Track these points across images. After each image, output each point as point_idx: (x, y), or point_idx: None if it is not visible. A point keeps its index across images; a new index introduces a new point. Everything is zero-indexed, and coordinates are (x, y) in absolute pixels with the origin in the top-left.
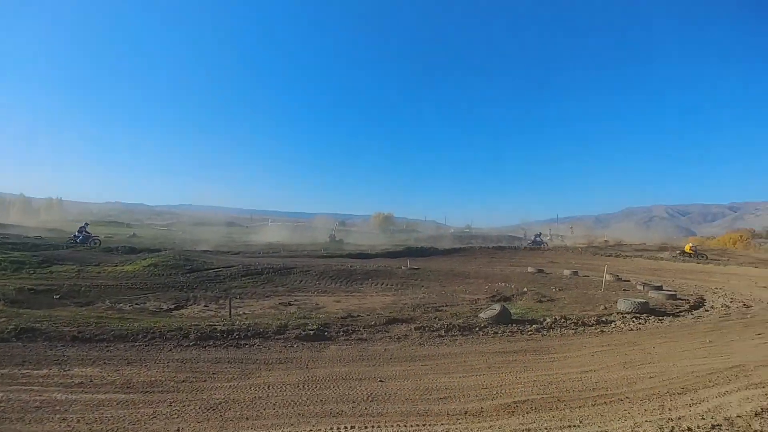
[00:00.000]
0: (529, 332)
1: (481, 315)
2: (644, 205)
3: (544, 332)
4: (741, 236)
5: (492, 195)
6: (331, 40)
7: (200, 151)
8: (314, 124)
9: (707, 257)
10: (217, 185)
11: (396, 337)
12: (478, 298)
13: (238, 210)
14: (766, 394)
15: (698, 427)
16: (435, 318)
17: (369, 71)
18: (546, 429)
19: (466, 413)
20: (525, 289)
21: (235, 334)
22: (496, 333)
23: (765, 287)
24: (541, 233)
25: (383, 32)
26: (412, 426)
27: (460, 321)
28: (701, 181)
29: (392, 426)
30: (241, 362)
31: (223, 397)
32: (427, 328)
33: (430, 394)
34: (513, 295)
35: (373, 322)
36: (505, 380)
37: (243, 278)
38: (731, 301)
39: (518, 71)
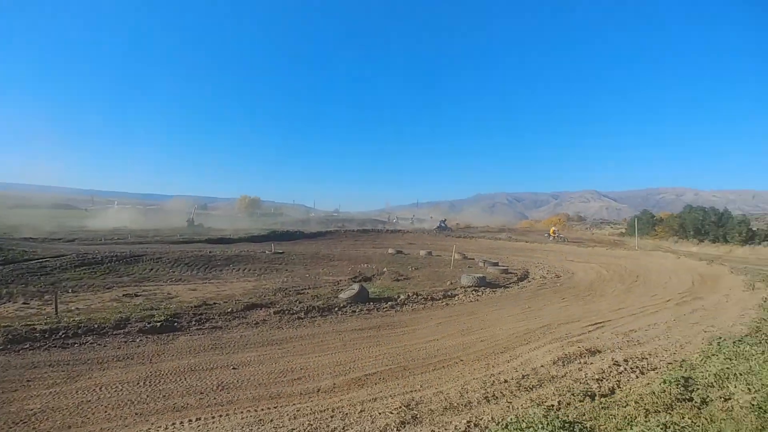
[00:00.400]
0: (385, 309)
1: (341, 295)
2: (490, 192)
3: (398, 308)
4: (559, 219)
5: (360, 181)
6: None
7: (23, 119)
8: (170, 95)
9: (566, 239)
10: (47, 161)
11: (254, 322)
12: (340, 280)
13: (75, 190)
14: (562, 346)
15: (512, 378)
16: (296, 301)
17: (233, 47)
18: (391, 396)
19: (318, 391)
20: (385, 269)
21: (60, 334)
22: (354, 312)
23: (572, 261)
24: (445, 219)
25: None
26: (262, 410)
27: (320, 303)
28: (532, 173)
29: (241, 413)
30: (68, 364)
31: (39, 406)
32: (286, 312)
33: (285, 376)
34: (374, 276)
35: (230, 309)
36: (359, 356)
37: (78, 269)
38: (547, 273)
39: (385, 66)
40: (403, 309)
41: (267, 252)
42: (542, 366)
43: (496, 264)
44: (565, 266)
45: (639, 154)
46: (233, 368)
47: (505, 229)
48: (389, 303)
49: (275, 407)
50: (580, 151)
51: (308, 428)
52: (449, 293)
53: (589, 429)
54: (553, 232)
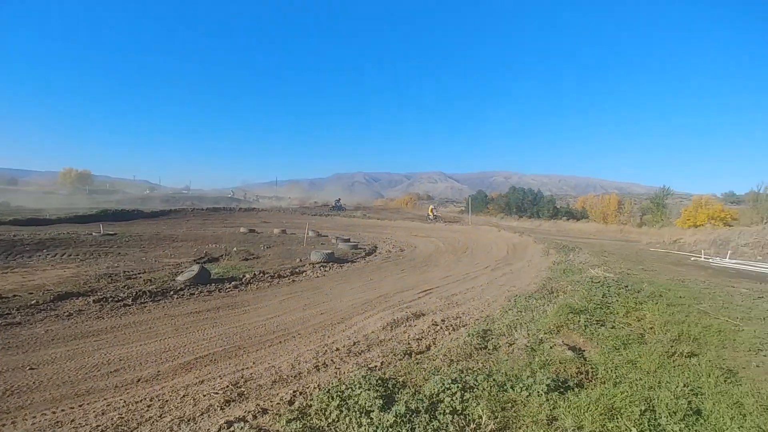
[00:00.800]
0: (228, 289)
1: (179, 278)
2: (349, 172)
3: (242, 288)
4: (411, 198)
5: (214, 156)
6: None
7: None
8: None
9: (444, 220)
10: None
11: (66, 314)
12: (182, 262)
13: None
14: (393, 313)
15: (344, 346)
16: (123, 287)
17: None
18: (220, 377)
19: (138, 381)
20: (234, 249)
21: None
22: (193, 295)
23: (416, 236)
24: (339, 198)
25: None
26: (63, 411)
27: (153, 287)
28: (388, 154)
29: (33, 417)
30: None
31: None
32: (110, 299)
33: (98, 371)
34: (221, 256)
35: (34, 301)
36: (191, 339)
37: None
38: (392, 247)
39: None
40: (248, 288)
41: (94, 234)
42: (373, 332)
43: (347, 240)
44: (410, 241)
45: (478, 141)
46: (30, 368)
47: (361, 207)
48: (233, 283)
49: (80, 405)
50: (430, 135)
51: (118, 422)
52: (297, 270)
53: (401, 383)
54: (432, 211)
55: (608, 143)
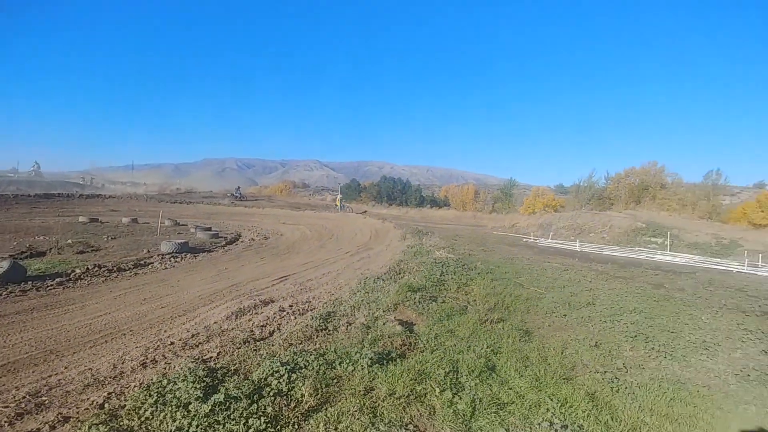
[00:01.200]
0: (49, 287)
1: None
2: (219, 157)
3: (69, 285)
4: (286, 186)
5: (64, 134)
6: None
7: None
8: None
9: (352, 209)
10: None
11: None
12: None
13: None
14: (241, 302)
15: (180, 340)
16: None
17: None
18: (16, 388)
19: None
20: (69, 241)
21: None
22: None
23: (284, 223)
24: (240, 187)
25: None
26: None
27: None
28: (262, 140)
29: None
30: None
31: None
32: None
33: None
34: (51, 249)
35: None
36: None
37: None
38: (257, 235)
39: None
40: (77, 285)
41: None
42: (215, 323)
43: (208, 229)
44: (277, 228)
45: (353, 131)
46: None
47: (229, 195)
48: (57, 280)
49: None
50: (306, 123)
51: None
52: (143, 262)
53: (233, 371)
54: (339, 202)
55: (470, 137)
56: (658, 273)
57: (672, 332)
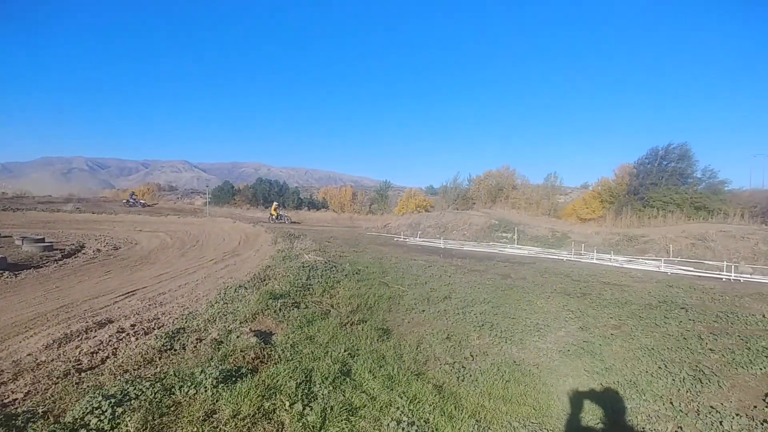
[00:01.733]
0: None
1: None
2: (64, 156)
3: None
4: (150, 189)
5: None
6: None
7: None
8: None
9: (290, 219)
10: None
11: None
12: None
13: None
14: (69, 325)
15: None
16: None
17: None
18: None
19: None
20: None
21: None
22: None
23: (140, 231)
24: (134, 193)
25: None
26: None
27: None
28: (118, 138)
29: None
30: None
31: None
32: None
33: None
34: None
35: None
36: None
37: None
38: (105, 246)
39: None
40: None
41: None
42: (29, 354)
43: (40, 240)
44: (131, 237)
45: (226, 131)
46: None
47: (74, 199)
48: None
49: None
50: (172, 119)
51: None
52: None
53: (41, 414)
54: (276, 210)
55: (347, 141)
56: (506, 264)
57: (513, 318)
